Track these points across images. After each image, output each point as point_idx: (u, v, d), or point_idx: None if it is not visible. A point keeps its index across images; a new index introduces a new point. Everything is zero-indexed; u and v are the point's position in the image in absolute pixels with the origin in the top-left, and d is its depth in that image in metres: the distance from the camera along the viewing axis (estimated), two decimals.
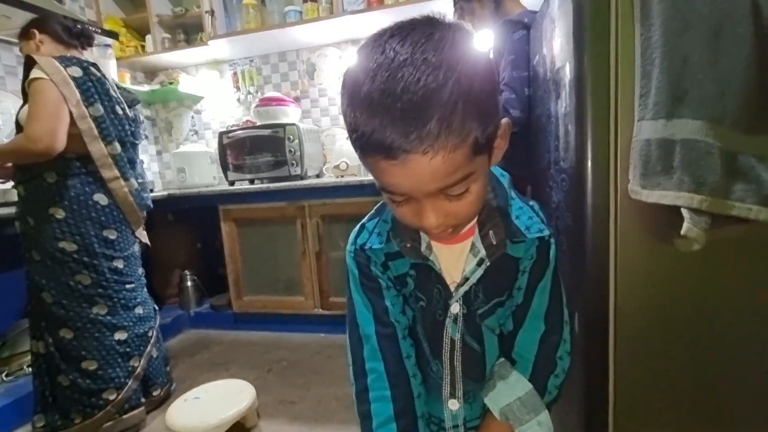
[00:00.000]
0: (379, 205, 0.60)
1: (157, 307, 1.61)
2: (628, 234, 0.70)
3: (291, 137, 2.21)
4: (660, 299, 0.72)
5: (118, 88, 1.47)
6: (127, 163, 1.41)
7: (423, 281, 0.57)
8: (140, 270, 1.53)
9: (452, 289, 0.55)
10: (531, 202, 0.58)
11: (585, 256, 0.73)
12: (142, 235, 1.54)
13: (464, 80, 0.36)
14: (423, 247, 0.54)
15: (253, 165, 2.31)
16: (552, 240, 0.56)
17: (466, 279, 0.54)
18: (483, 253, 0.53)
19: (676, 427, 0.75)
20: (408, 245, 0.54)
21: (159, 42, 2.51)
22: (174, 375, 1.74)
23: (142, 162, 1.58)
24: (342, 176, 2.20)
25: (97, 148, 1.30)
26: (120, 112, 1.39)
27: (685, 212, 0.58)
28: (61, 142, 1.21)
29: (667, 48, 0.59)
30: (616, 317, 0.73)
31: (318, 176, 2.50)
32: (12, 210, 1.39)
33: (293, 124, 2.21)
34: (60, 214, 1.28)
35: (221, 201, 2.18)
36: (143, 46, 2.57)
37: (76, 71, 1.27)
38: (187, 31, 2.57)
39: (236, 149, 2.33)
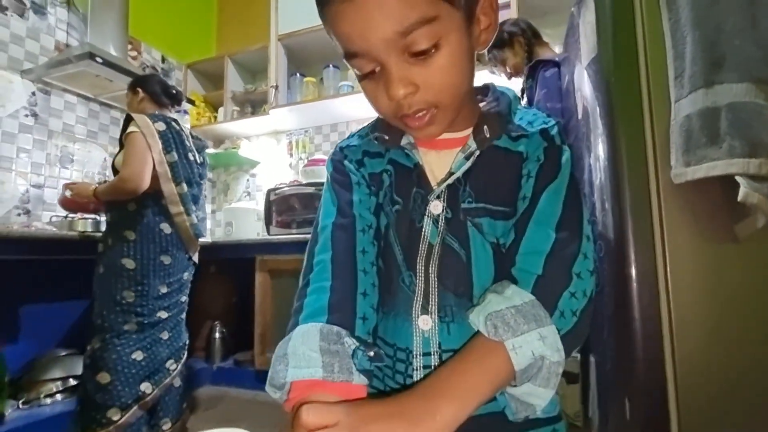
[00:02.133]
0: None
1: (188, 341, 1.66)
2: (675, 231, 0.59)
3: None
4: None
5: (192, 136, 1.74)
6: (191, 200, 1.63)
7: (400, 180, 0.50)
8: (183, 297, 1.64)
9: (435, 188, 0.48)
10: (541, 108, 0.51)
11: (627, 258, 0.62)
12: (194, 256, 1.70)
13: None
14: (403, 142, 0.49)
15: (295, 221, 2.38)
16: (564, 144, 0.47)
17: (452, 174, 0.47)
18: (474, 146, 0.46)
19: None
20: (386, 137, 0.49)
21: (229, 113, 2.85)
22: None
23: (204, 197, 1.79)
24: None
25: (169, 188, 1.55)
26: (191, 158, 1.66)
27: (741, 180, 0.49)
28: (145, 183, 1.47)
29: (698, 20, 0.56)
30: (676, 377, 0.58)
31: None
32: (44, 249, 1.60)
33: None
34: (131, 236, 1.49)
35: (259, 250, 2.22)
36: (215, 117, 2.92)
37: (161, 126, 1.55)
38: (254, 104, 2.91)
39: (281, 206, 2.43)
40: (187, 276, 1.65)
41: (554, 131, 0.47)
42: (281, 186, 2.48)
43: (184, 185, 1.58)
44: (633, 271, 0.59)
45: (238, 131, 2.98)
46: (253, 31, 2.98)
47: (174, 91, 1.72)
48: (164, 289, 1.53)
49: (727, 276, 0.58)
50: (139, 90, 1.65)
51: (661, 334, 0.59)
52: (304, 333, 0.40)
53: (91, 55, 1.89)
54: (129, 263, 1.46)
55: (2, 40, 1.94)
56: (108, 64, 1.96)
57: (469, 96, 0.48)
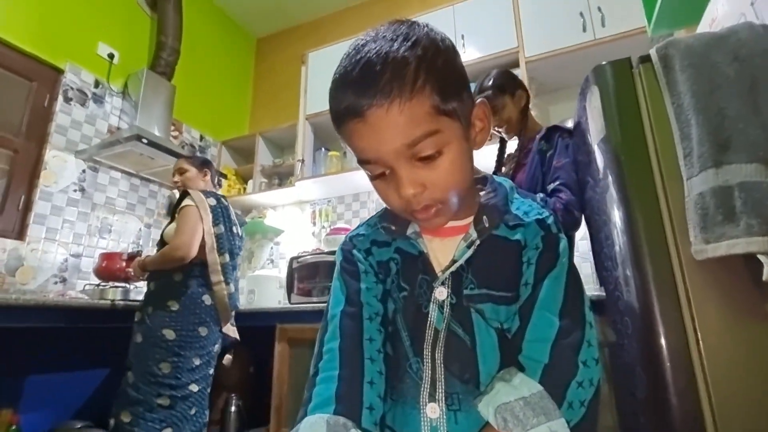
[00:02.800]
0: None
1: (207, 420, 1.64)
2: (703, 307, 0.58)
3: None
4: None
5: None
6: (231, 270, 1.69)
7: (407, 267, 0.53)
8: (211, 370, 1.64)
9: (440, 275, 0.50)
10: (536, 197, 0.54)
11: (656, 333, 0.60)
12: (231, 330, 1.71)
13: (418, 46, 0.40)
14: (409, 231, 0.52)
15: (316, 289, 2.38)
16: (560, 233, 0.50)
17: (455, 261, 0.49)
18: (474, 235, 0.50)
19: None
20: (394, 227, 0.52)
21: (258, 185, 3.02)
22: None
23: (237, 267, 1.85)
24: None
25: (213, 257, 1.62)
26: (235, 231, 1.78)
27: (763, 259, 0.48)
28: (193, 252, 1.55)
29: (700, 105, 0.59)
30: None
31: None
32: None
33: None
34: (175, 306, 1.53)
35: (280, 319, 2.21)
36: (245, 188, 3.09)
37: (212, 201, 1.70)
38: (281, 177, 3.08)
39: (303, 273, 2.46)
40: (217, 348, 1.66)
41: (550, 221, 0.51)
42: (304, 254, 2.53)
43: (227, 256, 1.66)
44: (665, 351, 0.57)
45: (265, 201, 3.12)
46: (283, 112, 3.25)
47: (220, 177, 1.99)
48: (197, 361, 1.54)
49: (764, 350, 0.55)
50: (207, 170, 1.84)
51: (702, 416, 0.55)
52: (312, 424, 0.41)
53: (138, 137, 2.09)
54: (169, 334, 1.49)
55: (63, 125, 2.18)
56: (152, 144, 2.15)
57: (470, 188, 0.52)
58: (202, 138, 3.08)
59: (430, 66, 0.40)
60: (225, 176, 2.87)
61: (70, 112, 2.22)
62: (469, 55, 2.38)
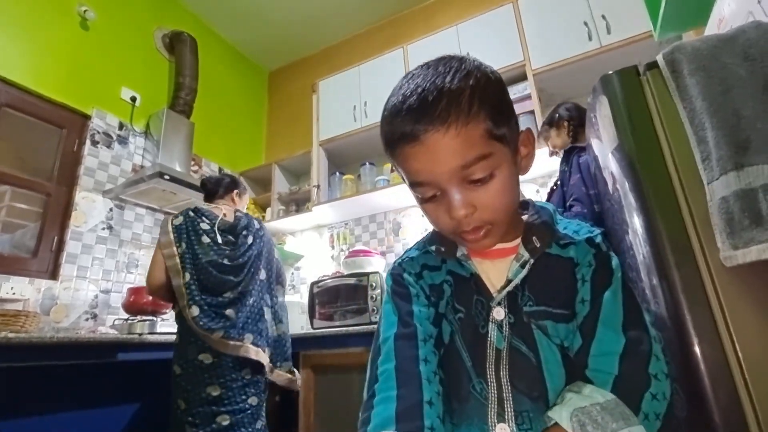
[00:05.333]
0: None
1: None
2: (739, 317, 0.55)
3: (373, 284, 2.30)
4: None
5: (237, 217, 1.66)
6: (197, 288, 1.45)
7: (460, 289, 0.53)
8: (246, 398, 1.45)
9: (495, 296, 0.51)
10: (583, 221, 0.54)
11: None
12: (279, 376, 1.58)
13: (471, 77, 0.44)
14: (459, 253, 0.53)
15: (337, 313, 2.38)
16: (610, 251, 0.52)
17: (510, 281, 0.50)
18: (527, 255, 0.50)
19: None
20: (443, 248, 0.53)
21: (276, 213, 3.07)
22: None
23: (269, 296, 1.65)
24: None
25: (176, 282, 1.44)
26: (206, 240, 1.52)
27: None
28: (153, 281, 1.48)
29: (714, 107, 0.58)
30: None
31: None
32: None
33: (376, 272, 2.33)
34: (177, 339, 1.48)
35: (303, 345, 2.20)
36: (264, 216, 3.15)
37: (179, 220, 1.55)
38: (298, 203, 3.13)
39: (324, 298, 2.46)
40: (246, 373, 1.46)
41: (599, 239, 0.51)
42: (324, 278, 2.54)
43: (187, 274, 1.44)
44: (702, 366, 0.54)
45: (284, 228, 3.16)
46: (298, 140, 3.33)
47: (208, 189, 1.78)
48: (215, 392, 1.38)
49: None
50: (203, 190, 1.81)
51: None
52: None
53: (161, 174, 2.18)
54: (176, 369, 1.44)
55: (91, 167, 2.29)
56: (173, 179, 2.23)
57: (516, 211, 0.53)
58: (220, 170, 3.17)
59: (483, 94, 0.43)
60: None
61: (97, 154, 2.34)
62: None
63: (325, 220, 3.05)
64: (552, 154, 1.60)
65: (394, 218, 2.86)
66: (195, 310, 1.41)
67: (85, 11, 2.38)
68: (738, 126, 0.56)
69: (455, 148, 0.42)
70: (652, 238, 0.62)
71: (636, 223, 0.67)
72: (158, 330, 2.00)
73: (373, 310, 2.24)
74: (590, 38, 2.06)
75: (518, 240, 0.52)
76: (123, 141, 2.50)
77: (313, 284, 2.52)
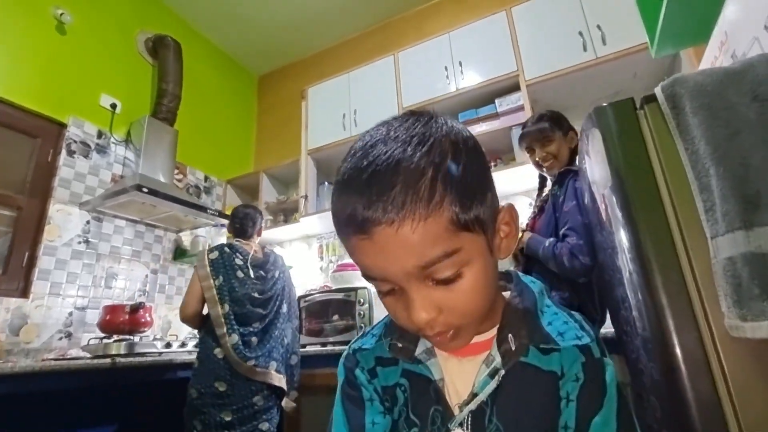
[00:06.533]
0: None
1: None
2: (746, 392, 0.48)
3: (361, 300, 2.23)
4: None
5: (266, 253, 1.87)
6: (235, 318, 1.62)
7: (417, 398, 0.44)
8: (257, 423, 1.57)
9: (456, 412, 0.41)
10: (573, 313, 0.44)
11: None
12: (288, 404, 1.72)
13: (435, 151, 0.35)
14: (419, 351, 0.44)
15: (325, 329, 2.31)
16: (605, 356, 0.41)
17: (475, 395, 0.40)
18: (498, 360, 0.40)
19: None
20: (399, 345, 0.44)
21: (264, 223, 2.98)
22: None
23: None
24: None
25: (215, 312, 1.60)
26: (241, 275, 1.69)
27: None
28: (189, 311, 1.64)
29: (719, 153, 0.52)
30: None
31: None
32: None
33: (364, 288, 2.26)
34: (196, 364, 1.61)
35: None
36: None
37: (214, 254, 1.70)
38: (286, 213, 3.05)
39: (311, 313, 2.39)
40: (258, 400, 1.58)
41: (592, 343, 0.41)
42: (312, 292, 2.47)
43: (227, 306, 1.61)
44: None
45: (272, 238, 3.08)
46: (287, 148, 3.25)
47: (238, 225, 1.87)
48: (228, 417, 1.50)
49: None
50: (229, 224, 1.92)
51: None
52: None
53: (139, 187, 2.09)
54: (193, 392, 1.54)
55: (67, 178, 2.20)
56: (152, 192, 2.14)
57: (493, 301, 0.44)
58: (206, 179, 3.09)
59: (448, 174, 0.35)
60: (226, 216, 2.85)
61: (74, 165, 2.24)
62: (468, 80, 2.34)
63: (314, 231, 2.97)
64: (540, 165, 1.34)
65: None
66: (235, 338, 1.57)
67: (61, 14, 2.28)
68: (746, 177, 0.49)
69: (411, 245, 0.34)
70: (651, 296, 0.56)
71: (632, 276, 0.60)
72: (136, 351, 1.91)
73: (361, 326, 2.17)
74: (585, 49, 2.00)
75: (494, 330, 0.43)
76: (102, 150, 2.41)
77: (300, 298, 2.44)
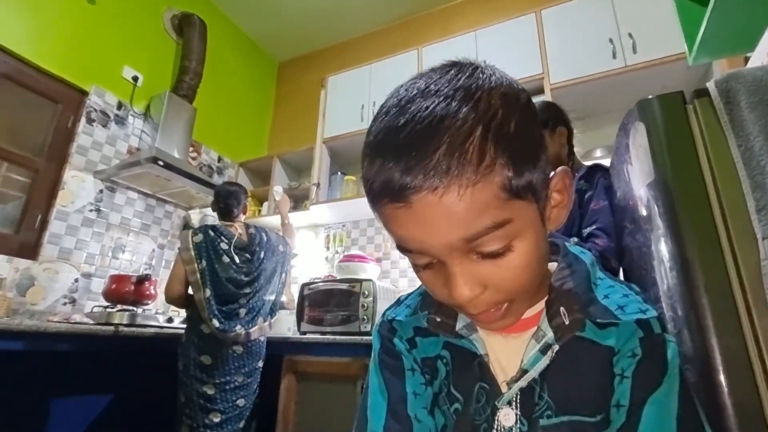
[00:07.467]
0: None
1: None
2: None
3: (366, 292, 2.21)
4: None
5: (253, 233, 1.88)
6: (215, 302, 1.65)
7: (460, 370, 0.41)
8: (235, 398, 1.64)
9: (504, 389, 0.38)
10: (632, 285, 0.40)
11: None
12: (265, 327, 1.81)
13: (485, 106, 0.30)
14: (459, 326, 0.41)
15: (327, 318, 2.29)
16: (666, 333, 0.37)
17: (525, 372, 0.37)
18: (550, 336, 0.37)
19: None
20: (438, 319, 0.41)
21: (272, 208, 2.98)
22: None
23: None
24: None
25: (198, 296, 1.64)
26: (226, 260, 1.71)
27: None
28: (173, 294, 1.68)
29: None
30: None
31: None
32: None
33: (370, 280, 2.24)
34: (183, 338, 1.68)
35: (288, 350, 2.11)
36: (260, 210, 3.06)
37: (198, 237, 1.70)
38: (297, 200, 3.03)
39: (314, 301, 2.37)
40: (241, 378, 1.67)
41: (652, 318, 0.37)
42: (316, 280, 2.45)
43: (208, 290, 1.64)
44: None
45: (279, 224, 3.07)
46: (302, 135, 3.24)
47: (222, 205, 1.87)
48: (211, 391, 1.57)
49: None
50: (214, 203, 1.90)
51: None
52: None
53: (155, 159, 2.09)
54: (180, 365, 1.61)
55: (84, 145, 2.20)
56: (168, 166, 2.14)
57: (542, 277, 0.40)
58: (220, 159, 3.08)
59: (501, 133, 0.30)
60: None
61: (92, 133, 2.25)
62: None
63: (322, 220, 2.96)
64: None
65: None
66: (216, 323, 1.61)
67: None
68: None
69: (457, 215, 0.30)
70: (691, 298, 0.53)
71: (668, 273, 0.58)
72: (138, 322, 1.91)
73: (364, 318, 2.15)
74: (615, 56, 1.97)
75: (542, 305, 0.39)
76: (121, 121, 2.41)
77: (303, 285, 2.43)
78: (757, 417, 0.47)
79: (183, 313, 2.39)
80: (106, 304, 2.00)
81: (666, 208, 0.60)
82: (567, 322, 0.37)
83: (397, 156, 0.30)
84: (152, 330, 1.83)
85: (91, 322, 1.81)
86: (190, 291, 1.68)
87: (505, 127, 0.31)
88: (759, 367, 0.48)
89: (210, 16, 2.99)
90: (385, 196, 0.32)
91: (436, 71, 0.35)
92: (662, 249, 0.61)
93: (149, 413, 2.10)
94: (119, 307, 1.97)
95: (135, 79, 2.50)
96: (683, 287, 0.55)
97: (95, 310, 1.99)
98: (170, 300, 1.69)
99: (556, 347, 0.37)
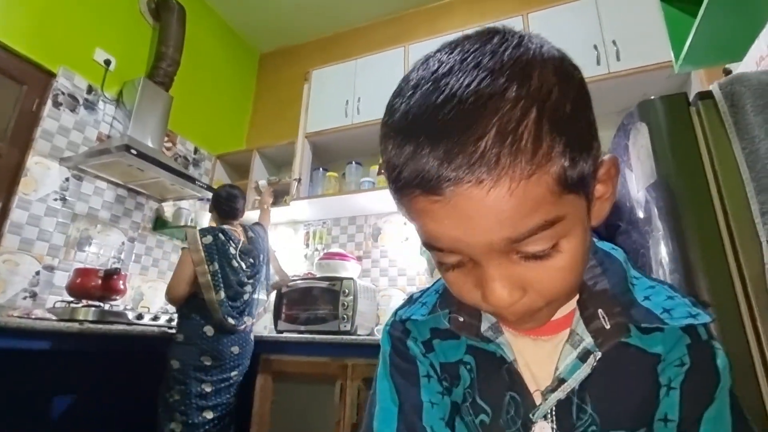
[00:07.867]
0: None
1: None
2: None
3: (346, 291, 2.17)
4: None
5: (253, 237, 1.94)
6: (230, 304, 1.73)
7: (486, 378, 0.37)
8: (228, 397, 1.71)
9: (538, 399, 0.35)
10: (673, 285, 0.37)
11: None
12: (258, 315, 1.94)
13: (537, 83, 0.26)
14: (484, 327, 0.37)
15: (305, 317, 2.24)
16: (714, 340, 0.34)
17: (562, 381, 0.34)
18: (588, 341, 0.33)
19: None
20: (461, 319, 0.37)
21: (250, 203, 2.89)
22: None
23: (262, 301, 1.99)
24: None
25: (209, 297, 1.67)
26: (236, 264, 1.78)
27: None
28: (179, 293, 1.69)
29: None
30: None
31: (369, 336, 2.33)
32: None
33: (350, 279, 2.20)
34: (180, 338, 1.67)
35: (264, 349, 2.05)
36: None
37: (208, 239, 1.74)
38: (276, 195, 2.95)
39: (292, 299, 2.32)
40: (235, 375, 1.73)
41: (704, 325, 0.34)
42: (294, 278, 2.39)
43: (222, 293, 1.70)
44: None
45: (257, 219, 2.99)
46: (283, 129, 3.16)
47: (227, 208, 1.91)
48: (208, 389, 1.62)
49: None
50: (214, 208, 1.94)
51: None
52: None
53: (128, 147, 1.98)
54: (175, 363, 1.61)
55: (49, 130, 2.06)
56: (142, 156, 2.04)
57: None
58: (196, 151, 2.97)
59: (558, 116, 0.26)
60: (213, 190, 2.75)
61: (59, 117, 2.11)
62: None
63: (302, 217, 2.90)
64: None
65: (375, 223, 2.74)
66: (231, 321, 1.69)
67: None
68: None
69: (505, 214, 0.25)
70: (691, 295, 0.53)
71: (670, 276, 0.58)
72: (105, 319, 1.80)
73: (344, 318, 2.11)
74: (599, 63, 2.01)
75: (573, 305, 0.35)
76: (90, 106, 2.28)
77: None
78: (760, 421, 0.46)
79: (153, 310, 2.30)
80: (70, 299, 1.88)
81: (668, 210, 0.59)
82: (608, 327, 0.33)
83: (434, 142, 0.25)
84: (120, 327, 1.74)
85: (54, 317, 1.70)
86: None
87: (562, 109, 0.26)
88: (762, 372, 0.48)
89: (189, 2, 2.88)
90: (416, 186, 0.27)
91: (472, 40, 0.29)
92: (662, 251, 0.60)
93: (115, 415, 1.99)
94: (84, 302, 1.86)
95: (107, 62, 2.36)
96: (685, 290, 0.54)
97: (57, 305, 1.87)
98: (174, 300, 1.71)
99: (599, 354, 0.33)
